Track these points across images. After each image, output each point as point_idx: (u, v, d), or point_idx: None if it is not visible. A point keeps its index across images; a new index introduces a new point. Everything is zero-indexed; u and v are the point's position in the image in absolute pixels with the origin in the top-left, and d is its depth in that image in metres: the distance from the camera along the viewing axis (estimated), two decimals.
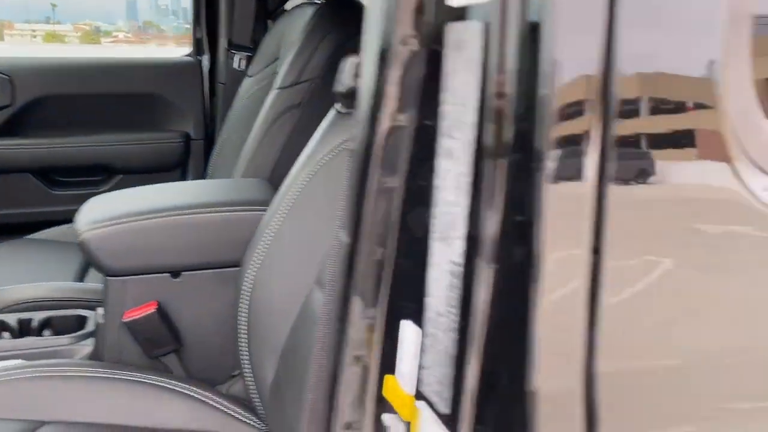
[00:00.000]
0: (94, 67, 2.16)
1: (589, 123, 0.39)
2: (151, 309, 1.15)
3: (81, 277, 1.61)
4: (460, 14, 0.43)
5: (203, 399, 1.07)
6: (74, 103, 2.08)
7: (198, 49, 2.24)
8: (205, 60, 2.20)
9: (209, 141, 2.14)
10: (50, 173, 2.10)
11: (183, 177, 2.16)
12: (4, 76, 2.01)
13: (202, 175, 2.09)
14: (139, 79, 2.15)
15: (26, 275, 1.48)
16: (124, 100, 2.13)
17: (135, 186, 1.45)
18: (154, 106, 2.14)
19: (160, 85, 2.15)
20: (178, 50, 2.37)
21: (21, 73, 2.03)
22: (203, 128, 2.16)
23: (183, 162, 2.15)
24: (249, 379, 1.09)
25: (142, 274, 1.18)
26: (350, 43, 1.01)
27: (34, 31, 6.59)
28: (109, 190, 2.12)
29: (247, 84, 1.91)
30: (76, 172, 2.12)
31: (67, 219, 1.47)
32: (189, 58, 2.26)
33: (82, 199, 1.99)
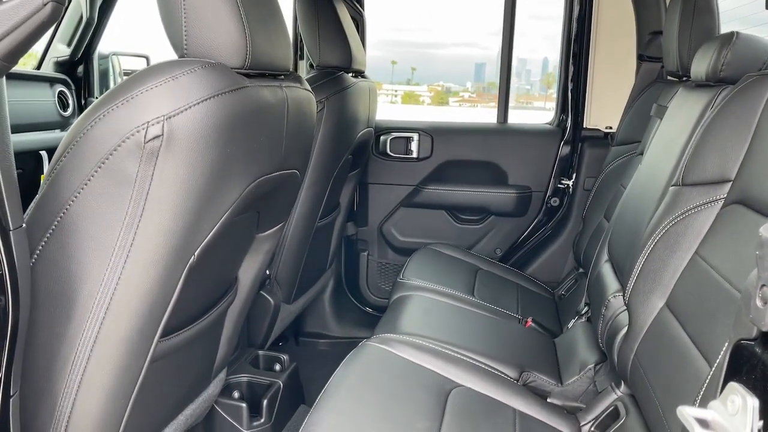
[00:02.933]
0: (484, 131, 2.78)
1: None
2: None
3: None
4: None
5: None
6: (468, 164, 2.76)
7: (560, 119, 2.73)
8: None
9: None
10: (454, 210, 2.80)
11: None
12: (426, 134, 2.73)
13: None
14: (514, 145, 2.71)
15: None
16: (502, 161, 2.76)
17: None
18: (517, 166, 2.69)
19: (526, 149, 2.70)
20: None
21: (436, 132, 2.74)
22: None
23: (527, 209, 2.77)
24: None
25: None
26: None
27: (396, 90, 8.02)
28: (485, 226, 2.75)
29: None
30: (466, 211, 2.78)
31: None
32: (550, 126, 2.75)
33: (469, 230, 2.65)
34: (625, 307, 1.52)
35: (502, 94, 2.82)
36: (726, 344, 0.92)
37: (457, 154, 2.79)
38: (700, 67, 1.59)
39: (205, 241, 1.11)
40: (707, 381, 0.95)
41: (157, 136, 0.96)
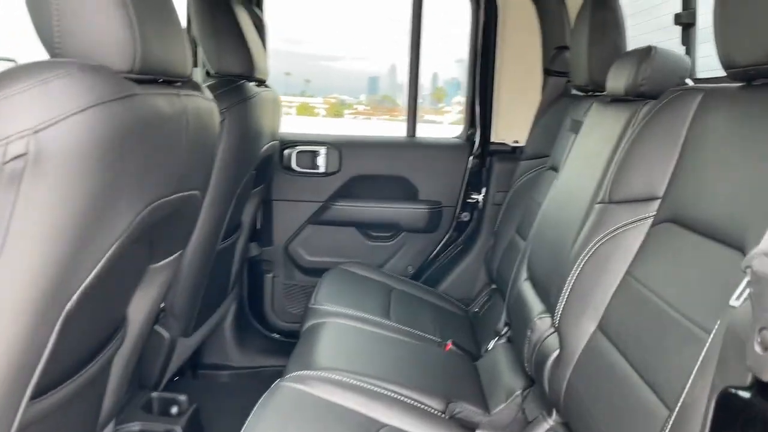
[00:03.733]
0: (393, 145, 2.68)
1: None
2: None
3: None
4: None
5: None
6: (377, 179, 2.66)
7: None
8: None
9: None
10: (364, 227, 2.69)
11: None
12: (333, 148, 2.60)
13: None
14: (423, 159, 2.64)
15: None
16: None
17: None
18: (427, 181, 2.64)
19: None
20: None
21: (344, 146, 2.61)
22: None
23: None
24: None
25: None
26: None
27: (290, 102, 7.80)
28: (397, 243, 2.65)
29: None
30: (377, 228, 2.68)
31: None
32: (458, 140, 2.71)
33: (380, 247, 2.54)
34: (553, 330, 1.45)
35: (411, 108, 2.75)
36: (690, 382, 0.85)
37: (366, 168, 2.67)
38: (617, 81, 1.57)
39: (87, 281, 0.91)
40: (670, 423, 0.88)
41: (20, 155, 0.77)
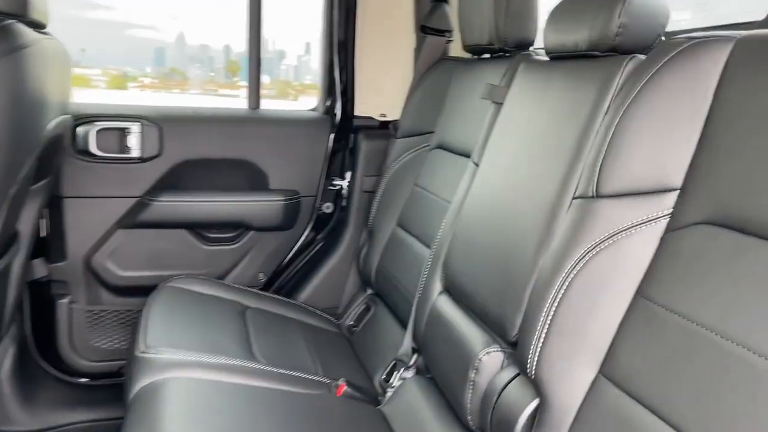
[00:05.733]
0: (234, 120, 2.08)
1: None
2: None
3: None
4: None
5: None
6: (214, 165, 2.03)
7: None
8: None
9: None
10: (198, 228, 2.03)
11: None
12: (152, 124, 1.92)
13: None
14: (274, 138, 2.09)
15: None
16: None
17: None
18: (279, 165, 2.10)
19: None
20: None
21: (167, 122, 1.94)
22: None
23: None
24: None
25: None
26: None
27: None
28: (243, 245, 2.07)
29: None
30: (215, 228, 2.07)
31: None
32: (316, 114, 2.20)
33: (221, 253, 1.96)
34: (516, 373, 1.05)
35: (253, 75, 2.14)
36: None
37: (198, 151, 2.03)
38: (572, 33, 1.18)
39: None
40: None
41: None
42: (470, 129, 1.65)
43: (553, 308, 0.97)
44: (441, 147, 1.82)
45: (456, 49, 2.08)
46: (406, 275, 1.70)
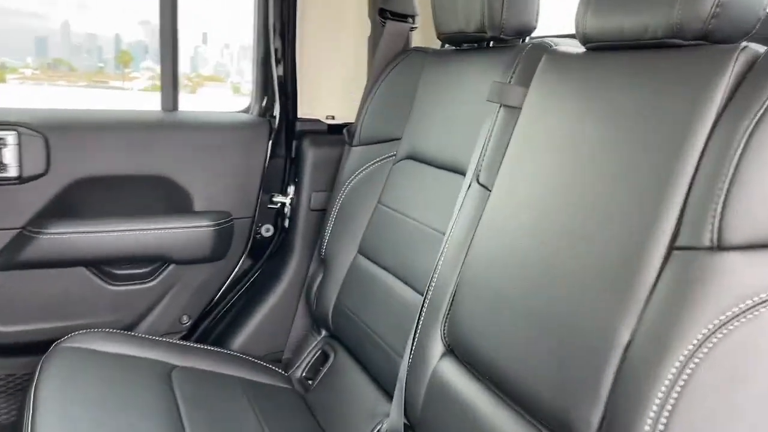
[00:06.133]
0: (144, 125, 1.64)
1: None
2: None
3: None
4: None
5: None
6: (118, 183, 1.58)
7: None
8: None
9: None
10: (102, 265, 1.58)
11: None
12: (34, 133, 1.46)
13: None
14: (197, 146, 1.67)
15: None
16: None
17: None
18: (205, 181, 1.68)
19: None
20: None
21: (55, 130, 1.49)
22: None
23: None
24: None
25: None
26: None
27: None
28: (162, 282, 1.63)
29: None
30: (124, 264, 1.62)
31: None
32: (249, 116, 1.81)
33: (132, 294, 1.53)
34: None
35: (167, 70, 1.71)
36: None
37: (98, 166, 1.57)
38: (642, 16, 0.87)
39: None
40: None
41: None
42: (456, 137, 1.32)
43: (666, 409, 0.66)
44: (412, 158, 1.48)
45: (421, 39, 1.75)
46: (381, 321, 1.36)
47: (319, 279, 1.64)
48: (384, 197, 1.52)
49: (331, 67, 1.84)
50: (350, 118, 1.76)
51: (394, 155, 1.56)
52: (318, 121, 1.81)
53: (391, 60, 1.63)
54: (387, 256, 1.43)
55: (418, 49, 1.61)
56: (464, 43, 1.43)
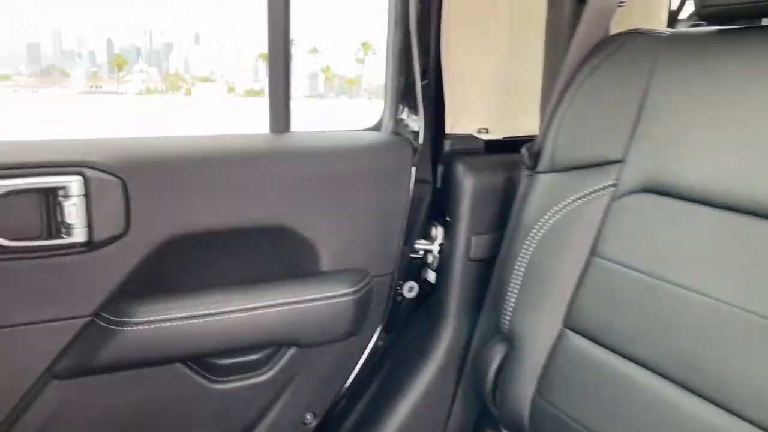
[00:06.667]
0: (253, 155, 1.16)
1: None
2: None
3: None
4: None
5: None
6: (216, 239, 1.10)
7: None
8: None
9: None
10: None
11: None
12: (107, 175, 0.97)
13: None
14: (322, 181, 1.19)
15: None
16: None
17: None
18: (336, 228, 1.19)
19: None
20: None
21: (137, 170, 1.01)
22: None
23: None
24: None
25: None
26: None
27: None
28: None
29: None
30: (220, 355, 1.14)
31: None
32: (383, 135, 1.33)
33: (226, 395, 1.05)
34: None
35: (278, 87, 1.21)
36: None
37: (195, 218, 1.08)
38: None
39: None
40: None
41: None
42: (752, 159, 0.85)
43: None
44: (653, 190, 1.01)
45: (628, 23, 1.27)
46: None
47: (497, 360, 1.17)
48: (604, 248, 1.05)
49: (480, 63, 1.36)
50: (509, 131, 1.29)
51: (614, 185, 1.09)
52: (471, 137, 1.34)
53: (597, 49, 1.16)
54: (636, 341, 0.96)
55: (641, 32, 1.13)
56: (739, 19, 0.96)
